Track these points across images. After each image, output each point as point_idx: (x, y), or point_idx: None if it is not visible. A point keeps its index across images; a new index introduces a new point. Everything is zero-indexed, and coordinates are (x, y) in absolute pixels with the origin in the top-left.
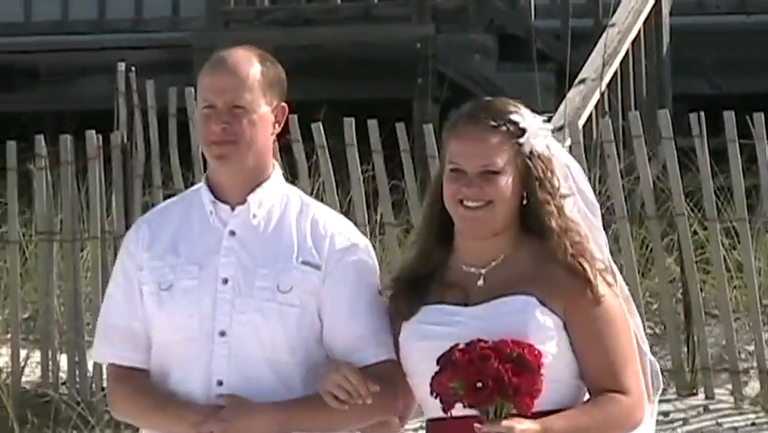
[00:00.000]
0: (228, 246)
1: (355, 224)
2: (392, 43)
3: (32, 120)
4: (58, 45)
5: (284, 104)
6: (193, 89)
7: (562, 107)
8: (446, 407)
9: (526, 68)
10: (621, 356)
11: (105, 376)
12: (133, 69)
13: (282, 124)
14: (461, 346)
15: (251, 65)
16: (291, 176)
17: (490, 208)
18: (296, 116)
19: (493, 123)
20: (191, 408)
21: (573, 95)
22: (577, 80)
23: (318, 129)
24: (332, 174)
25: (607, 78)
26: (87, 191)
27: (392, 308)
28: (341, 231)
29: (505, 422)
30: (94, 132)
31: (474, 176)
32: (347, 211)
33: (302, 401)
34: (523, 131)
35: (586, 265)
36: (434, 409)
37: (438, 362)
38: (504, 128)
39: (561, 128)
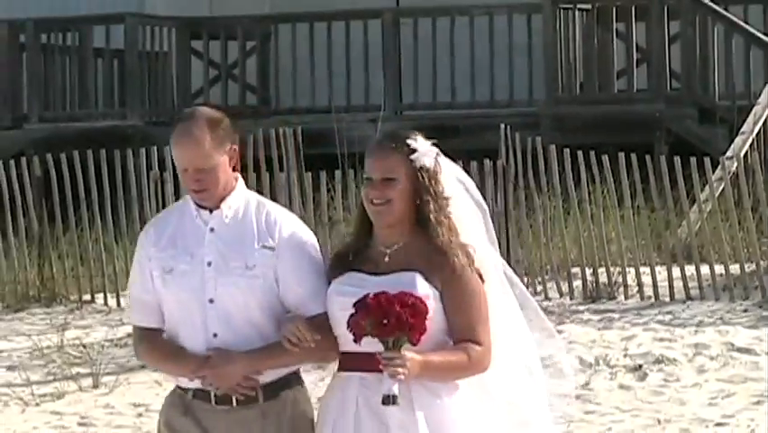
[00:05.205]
0: (209, 239)
1: None
2: None
3: None
4: None
5: (235, 146)
6: None
7: None
8: (357, 339)
9: None
10: (477, 317)
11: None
12: None
13: (237, 159)
14: (371, 295)
15: (205, 136)
16: None
17: (389, 205)
18: None
19: (392, 145)
20: (190, 357)
21: None
22: None
23: None
24: None
25: None
26: None
27: (331, 272)
28: (286, 220)
29: (401, 351)
30: None
31: (378, 182)
32: None
33: (267, 347)
34: (414, 150)
35: (451, 250)
36: (346, 342)
37: (354, 306)
38: (400, 148)
39: None
